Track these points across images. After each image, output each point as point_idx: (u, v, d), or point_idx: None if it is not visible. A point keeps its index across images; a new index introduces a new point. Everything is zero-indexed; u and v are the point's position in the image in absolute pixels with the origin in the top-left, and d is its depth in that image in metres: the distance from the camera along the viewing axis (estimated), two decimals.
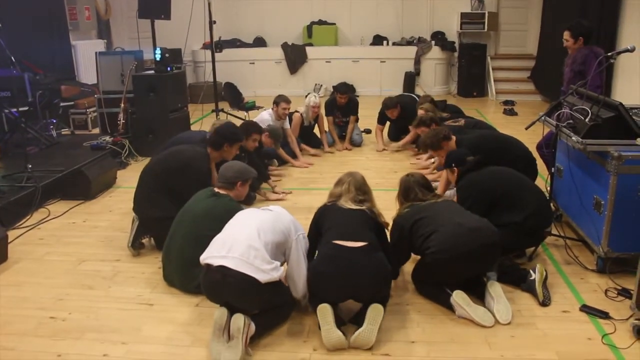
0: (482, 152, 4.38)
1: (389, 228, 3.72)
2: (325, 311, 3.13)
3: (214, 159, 4.53)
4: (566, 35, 5.26)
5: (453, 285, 3.51)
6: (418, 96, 7.86)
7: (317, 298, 3.26)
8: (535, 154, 5.11)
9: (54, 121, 7.68)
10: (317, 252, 3.43)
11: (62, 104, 8.30)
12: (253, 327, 3.08)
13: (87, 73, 10.28)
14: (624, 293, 3.61)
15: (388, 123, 7.79)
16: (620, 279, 3.79)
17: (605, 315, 3.39)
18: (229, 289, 3.11)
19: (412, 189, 3.85)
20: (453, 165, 4.31)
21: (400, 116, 7.47)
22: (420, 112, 6.80)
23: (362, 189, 3.67)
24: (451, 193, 4.94)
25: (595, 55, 4.92)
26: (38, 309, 3.59)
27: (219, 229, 3.36)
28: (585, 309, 3.47)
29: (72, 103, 8.63)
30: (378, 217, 3.57)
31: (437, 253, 3.42)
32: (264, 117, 6.68)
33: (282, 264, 3.33)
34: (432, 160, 6.00)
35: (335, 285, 3.22)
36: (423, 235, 3.52)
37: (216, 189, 3.87)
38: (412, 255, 3.83)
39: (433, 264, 3.49)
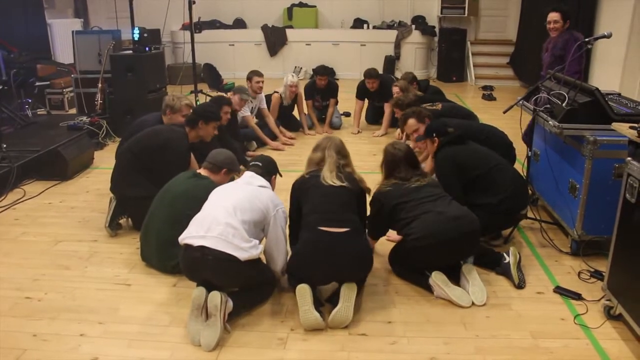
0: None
1: (370, 195, 3.72)
2: (304, 292, 3.14)
3: (192, 138, 4.50)
4: (555, 16, 5.15)
5: (431, 268, 3.55)
6: (397, 79, 7.87)
7: (297, 279, 3.27)
8: (513, 138, 5.12)
9: (29, 101, 7.56)
10: (300, 235, 3.40)
11: (37, 84, 8.18)
12: (230, 303, 3.09)
13: (63, 52, 10.10)
14: (597, 275, 3.68)
15: (366, 105, 7.79)
16: (593, 261, 3.87)
17: (578, 296, 3.46)
18: (208, 267, 3.12)
19: (397, 165, 3.76)
20: (434, 134, 4.23)
21: (378, 92, 7.47)
22: (394, 89, 6.82)
23: (342, 153, 3.66)
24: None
25: (575, 41, 4.90)
26: (13, 289, 3.56)
27: (198, 209, 3.35)
28: (559, 290, 3.54)
29: (48, 83, 8.50)
30: (360, 183, 3.57)
31: (418, 240, 3.44)
32: None
33: (261, 241, 3.34)
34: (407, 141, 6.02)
35: (320, 270, 3.25)
36: (404, 220, 3.53)
37: (199, 170, 3.86)
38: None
39: (413, 251, 3.51)
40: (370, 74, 7.43)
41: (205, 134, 4.57)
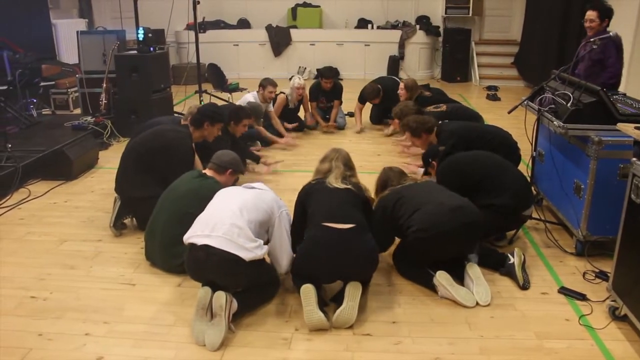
0: (461, 140, 4.46)
1: (373, 206, 3.75)
2: (308, 292, 3.15)
3: (196, 139, 4.52)
4: (592, 15, 4.90)
5: (435, 266, 3.55)
6: (401, 79, 7.85)
7: (301, 278, 3.27)
8: (517, 138, 5.10)
9: (34, 101, 7.58)
10: (305, 233, 3.41)
11: (42, 84, 8.20)
12: (235, 304, 3.10)
13: (68, 52, 10.12)
14: (601, 275, 3.68)
15: (370, 104, 7.79)
16: (598, 261, 3.86)
17: (582, 297, 3.45)
18: (213, 267, 3.12)
19: (388, 178, 3.92)
20: (430, 160, 4.44)
21: (382, 99, 7.45)
22: (400, 85, 6.82)
23: (348, 165, 3.73)
24: (420, 171, 4.97)
25: (614, 44, 4.79)
26: (18, 289, 3.57)
27: (203, 209, 3.36)
28: (564, 291, 3.53)
29: (53, 83, 8.52)
30: (365, 191, 3.61)
31: (419, 232, 3.44)
32: (248, 99, 6.66)
33: (265, 242, 3.35)
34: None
35: (325, 266, 3.25)
36: (405, 214, 3.54)
37: (204, 171, 3.87)
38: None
39: (415, 243, 3.51)
40: (370, 95, 7.40)
41: (210, 134, 4.60)
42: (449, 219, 3.43)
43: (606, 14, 4.90)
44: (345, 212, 3.35)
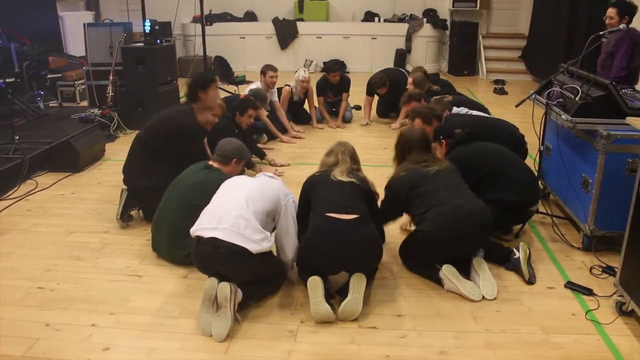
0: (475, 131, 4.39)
1: (383, 193, 3.73)
2: (315, 284, 3.15)
3: (199, 113, 4.37)
4: (611, 12, 4.99)
5: (441, 261, 3.54)
6: (408, 72, 7.83)
7: (307, 271, 3.27)
8: (524, 132, 5.07)
9: (42, 93, 7.60)
10: (309, 224, 3.42)
11: (49, 76, 8.21)
12: (240, 294, 3.10)
13: (75, 45, 10.15)
14: (608, 271, 3.66)
15: (377, 97, 7.79)
16: (605, 256, 3.84)
17: (589, 292, 3.44)
18: (220, 260, 3.12)
19: (411, 147, 3.78)
20: (441, 137, 4.26)
21: (389, 90, 7.44)
22: (409, 80, 6.80)
23: (354, 158, 3.68)
24: None
25: (630, 38, 4.80)
26: (26, 279, 3.59)
27: (209, 201, 3.35)
28: (570, 285, 3.52)
29: (60, 75, 8.53)
30: (369, 184, 3.58)
31: (431, 232, 3.43)
32: (252, 87, 6.66)
33: (273, 230, 3.37)
34: None
35: (328, 257, 3.24)
36: (418, 207, 3.52)
37: (210, 162, 3.87)
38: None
39: (424, 242, 3.51)
40: (377, 84, 7.41)
41: (211, 103, 4.41)
42: (462, 223, 3.40)
43: (626, 10, 4.94)
44: (348, 203, 3.34)
